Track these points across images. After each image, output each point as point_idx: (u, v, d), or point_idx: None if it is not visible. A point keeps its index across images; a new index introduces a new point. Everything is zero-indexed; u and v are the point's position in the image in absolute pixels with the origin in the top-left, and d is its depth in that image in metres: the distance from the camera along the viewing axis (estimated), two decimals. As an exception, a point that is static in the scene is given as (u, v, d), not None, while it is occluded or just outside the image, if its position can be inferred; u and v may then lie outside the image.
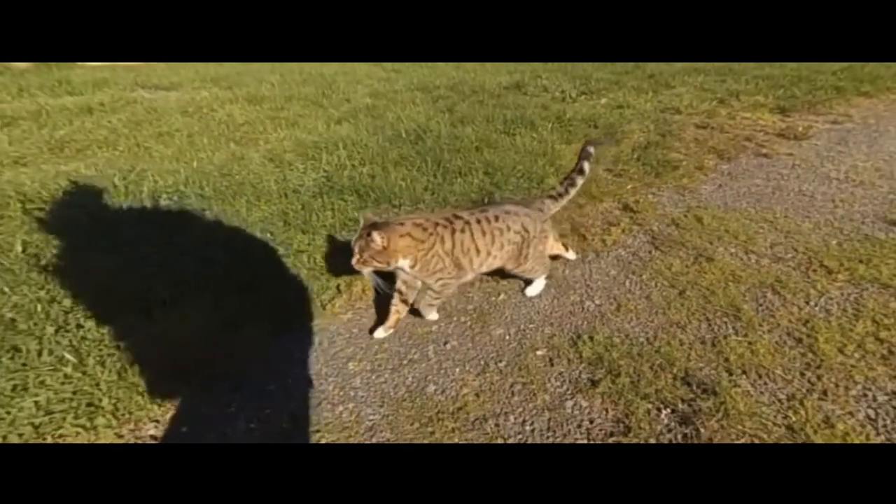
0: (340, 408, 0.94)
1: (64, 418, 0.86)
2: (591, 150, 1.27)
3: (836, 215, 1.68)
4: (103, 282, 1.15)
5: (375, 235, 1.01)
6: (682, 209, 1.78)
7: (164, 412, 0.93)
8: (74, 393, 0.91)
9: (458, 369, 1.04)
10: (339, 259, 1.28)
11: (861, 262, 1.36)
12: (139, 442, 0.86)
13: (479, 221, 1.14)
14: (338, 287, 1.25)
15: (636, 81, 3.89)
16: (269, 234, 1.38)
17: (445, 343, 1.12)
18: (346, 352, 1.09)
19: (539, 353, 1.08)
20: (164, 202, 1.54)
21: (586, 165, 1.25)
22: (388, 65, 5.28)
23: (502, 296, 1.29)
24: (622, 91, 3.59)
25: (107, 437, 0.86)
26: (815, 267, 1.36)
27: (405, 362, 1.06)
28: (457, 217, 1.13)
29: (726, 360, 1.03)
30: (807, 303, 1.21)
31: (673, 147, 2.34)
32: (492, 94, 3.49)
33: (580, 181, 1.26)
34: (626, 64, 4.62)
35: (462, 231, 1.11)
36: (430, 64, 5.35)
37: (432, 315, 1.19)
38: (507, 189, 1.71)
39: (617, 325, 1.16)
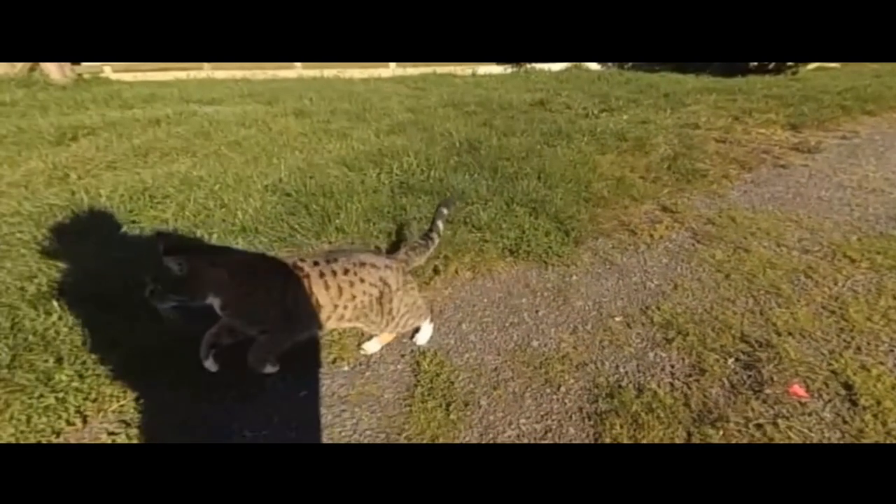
0: (466, 356, 1.18)
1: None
2: (445, 210, 1.24)
3: (853, 216, 1.95)
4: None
5: (173, 263, 0.87)
6: (715, 210, 2.05)
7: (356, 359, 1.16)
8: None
9: (553, 330, 1.27)
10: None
11: (879, 253, 1.62)
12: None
13: (322, 275, 0.99)
14: (435, 269, 1.50)
15: (652, 100, 4.25)
16: (371, 224, 1.64)
17: (537, 311, 1.36)
18: (457, 316, 1.33)
19: (617, 319, 1.32)
20: (269, 196, 1.80)
21: (440, 224, 1.21)
22: (412, 82, 5.67)
23: (574, 277, 1.53)
24: (640, 108, 3.94)
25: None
26: (840, 257, 1.62)
27: (507, 325, 1.30)
28: (297, 267, 0.99)
29: (774, 325, 1.27)
30: (835, 284, 1.46)
31: (698, 158, 2.64)
32: (520, 109, 3.83)
33: (437, 238, 1.21)
34: (641, 83, 5.02)
35: (298, 283, 0.97)
36: (448, 83, 5.74)
37: (264, 368, 1.06)
38: (558, 193, 1.97)
39: (677, 300, 1.40)
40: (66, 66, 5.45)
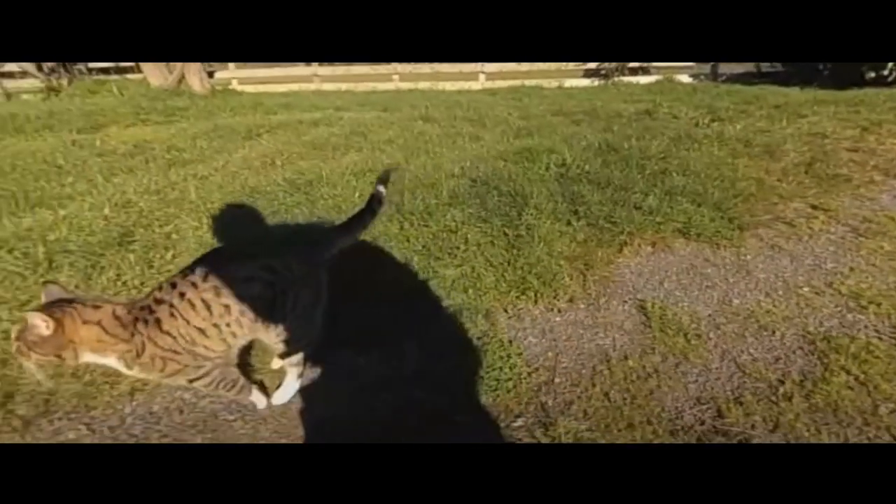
0: (679, 304, 1.46)
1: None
2: (382, 189, 1.17)
3: None
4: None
5: (36, 318, 0.81)
6: (870, 211, 2.17)
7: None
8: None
9: (748, 293, 1.52)
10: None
11: None
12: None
13: (182, 295, 0.89)
14: (623, 242, 1.79)
15: (763, 111, 4.31)
16: (557, 203, 1.98)
17: (727, 279, 1.61)
18: (655, 277, 1.62)
19: (804, 289, 1.54)
20: (459, 180, 2.21)
21: (376, 206, 1.15)
22: (506, 94, 6.10)
23: (749, 256, 1.76)
24: (752, 119, 4.03)
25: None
26: None
27: (704, 287, 1.57)
28: (158, 301, 0.90)
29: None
30: None
31: (836, 164, 2.74)
32: (628, 118, 4.08)
33: (370, 219, 1.15)
34: (745, 95, 5.07)
35: (172, 317, 0.89)
36: (540, 94, 6.10)
37: (253, 399, 1.06)
38: (708, 187, 2.20)
39: (858, 279, 1.59)
40: (205, 78, 6.48)
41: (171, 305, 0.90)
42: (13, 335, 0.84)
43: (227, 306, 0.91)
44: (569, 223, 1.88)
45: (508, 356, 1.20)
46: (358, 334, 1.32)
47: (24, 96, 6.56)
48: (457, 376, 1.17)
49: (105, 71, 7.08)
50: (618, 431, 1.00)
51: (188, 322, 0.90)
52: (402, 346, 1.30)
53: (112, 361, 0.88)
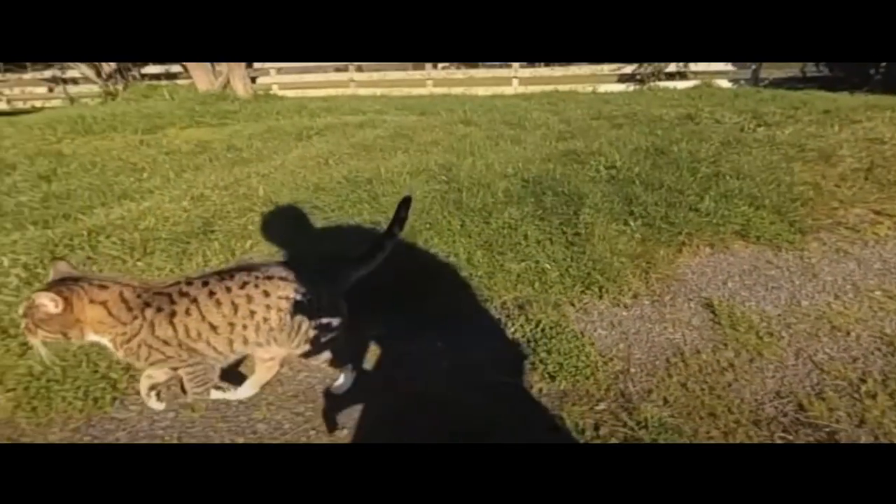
0: (746, 304, 1.48)
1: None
2: (403, 213, 1.13)
3: None
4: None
5: (44, 297, 0.83)
6: (939, 216, 2.10)
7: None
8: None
9: (816, 295, 1.52)
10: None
11: None
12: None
13: (212, 293, 0.93)
14: (682, 242, 1.81)
15: (812, 116, 4.20)
16: (613, 203, 2.02)
17: (792, 281, 1.61)
18: (718, 278, 1.63)
19: (876, 293, 1.52)
20: (512, 181, 2.27)
21: (397, 229, 1.12)
22: (541, 98, 6.14)
23: (813, 259, 1.74)
24: (801, 124, 3.93)
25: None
26: None
27: (770, 287, 1.57)
28: (182, 294, 0.93)
29: None
30: None
31: (899, 170, 2.66)
32: (670, 123, 4.05)
33: (389, 246, 1.11)
34: (791, 100, 4.94)
35: (187, 313, 0.92)
36: (575, 99, 6.10)
37: (214, 395, 1.07)
38: (764, 191, 2.18)
39: (932, 284, 1.55)
40: (248, 83, 6.81)
41: (195, 301, 0.92)
42: (20, 312, 0.86)
43: (253, 312, 0.95)
44: (626, 223, 1.91)
45: (582, 346, 1.25)
46: (435, 321, 1.40)
47: (84, 100, 7.07)
48: (535, 362, 1.22)
49: (156, 77, 7.52)
50: (699, 419, 1.03)
51: (203, 318, 0.92)
52: (475, 333, 1.37)
53: (105, 341, 0.91)
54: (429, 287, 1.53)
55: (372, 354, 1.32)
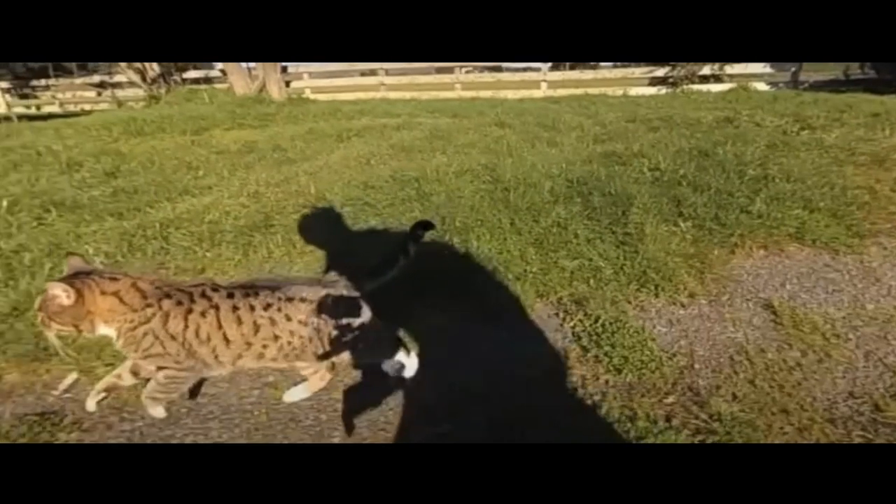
0: (807, 306, 1.47)
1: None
2: (421, 233, 1.14)
3: None
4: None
5: (57, 288, 0.85)
6: None
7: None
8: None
9: (881, 298, 1.50)
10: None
11: None
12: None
13: (235, 308, 0.93)
14: (735, 243, 1.81)
15: (860, 119, 4.06)
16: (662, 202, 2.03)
17: (854, 284, 1.58)
18: (774, 280, 1.62)
19: (947, 297, 1.48)
20: (557, 181, 2.30)
21: (411, 248, 1.12)
22: (571, 101, 6.12)
23: (875, 264, 1.71)
24: (847, 127, 3.80)
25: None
26: None
27: (830, 290, 1.55)
28: (205, 296, 0.94)
29: None
30: None
31: (961, 174, 2.55)
32: (709, 126, 3.99)
33: (403, 262, 1.11)
34: (836, 103, 4.79)
35: (203, 315, 0.92)
36: (606, 102, 6.06)
37: (156, 411, 1.04)
38: (816, 194, 2.14)
39: None
40: (283, 87, 7.05)
41: (217, 309, 0.92)
42: (36, 305, 0.88)
43: (276, 336, 0.95)
44: (676, 224, 1.91)
45: (644, 341, 1.27)
46: (493, 314, 1.45)
47: (129, 103, 7.46)
48: (599, 355, 1.25)
49: (196, 81, 7.87)
50: (772, 415, 1.04)
51: (220, 326, 0.92)
52: (533, 326, 1.41)
53: (111, 330, 0.92)
54: (484, 281, 1.58)
55: (429, 345, 1.37)
